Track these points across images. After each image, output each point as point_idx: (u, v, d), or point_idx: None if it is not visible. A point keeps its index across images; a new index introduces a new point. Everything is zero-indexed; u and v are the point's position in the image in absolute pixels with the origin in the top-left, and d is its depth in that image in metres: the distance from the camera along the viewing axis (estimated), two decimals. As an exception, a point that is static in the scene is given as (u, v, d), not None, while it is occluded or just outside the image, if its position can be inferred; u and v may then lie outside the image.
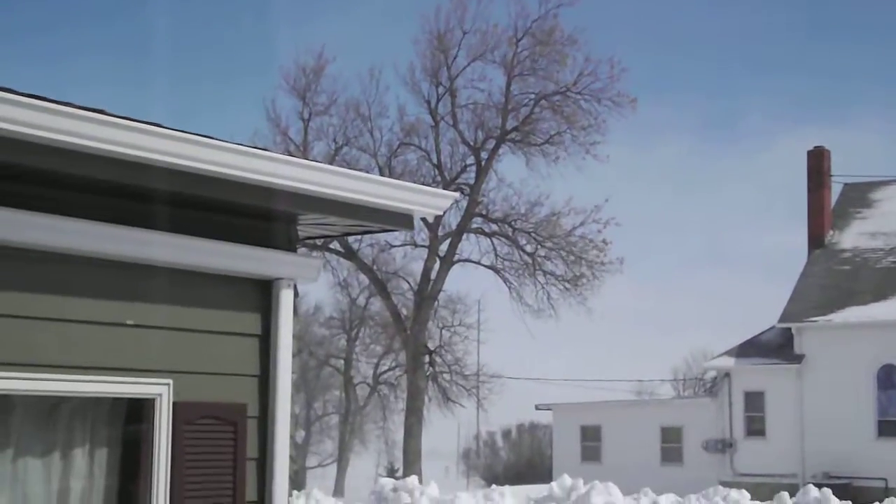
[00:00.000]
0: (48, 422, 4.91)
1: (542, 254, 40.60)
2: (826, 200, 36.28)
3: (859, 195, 37.80)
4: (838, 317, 31.90)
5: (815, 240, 35.65)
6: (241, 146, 5.05)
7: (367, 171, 38.78)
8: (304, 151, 39.56)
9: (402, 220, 5.88)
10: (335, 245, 40.67)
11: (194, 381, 5.21)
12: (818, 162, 36.28)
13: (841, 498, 23.14)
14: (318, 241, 34.67)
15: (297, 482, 47.49)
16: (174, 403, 5.09)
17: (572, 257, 40.09)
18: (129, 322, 4.99)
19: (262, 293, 5.56)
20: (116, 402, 5.09)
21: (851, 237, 35.67)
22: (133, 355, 5.01)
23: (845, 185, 38.33)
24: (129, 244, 4.95)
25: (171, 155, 4.70)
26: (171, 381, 5.10)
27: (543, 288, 40.81)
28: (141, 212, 5.02)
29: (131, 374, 5.00)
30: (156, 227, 5.06)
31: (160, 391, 5.06)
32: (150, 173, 4.71)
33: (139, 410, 5.09)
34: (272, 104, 41.21)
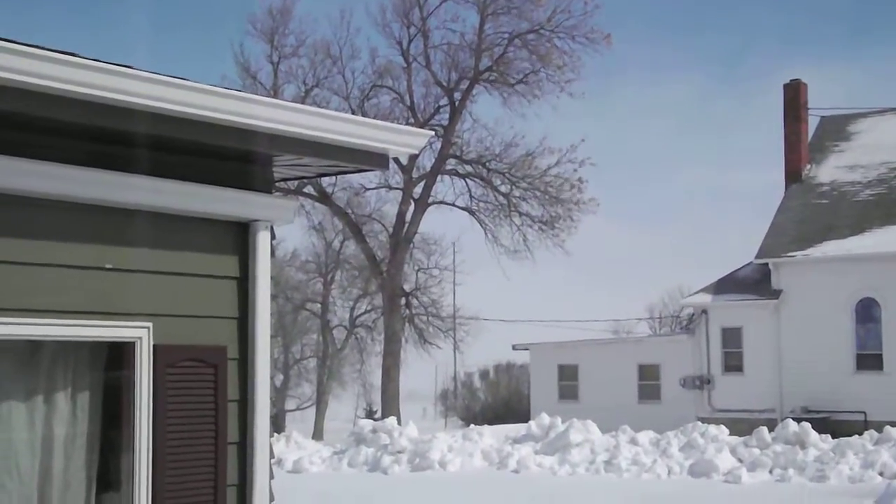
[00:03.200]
0: (28, 367, 4.89)
1: (518, 194, 40.62)
2: (803, 134, 36.25)
3: (836, 128, 37.76)
4: (816, 251, 32.02)
5: (793, 174, 35.68)
6: (215, 87, 4.99)
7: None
8: (274, 94, 39.31)
9: (377, 159, 5.84)
10: (309, 189, 40.55)
11: (174, 324, 5.19)
12: (795, 95, 36.18)
13: (820, 432, 23.40)
14: (293, 185, 34.50)
15: (276, 425, 47.77)
16: (154, 346, 5.08)
17: (548, 197, 40.13)
18: (107, 266, 4.96)
19: (239, 235, 5.53)
20: (97, 346, 5.08)
21: (829, 171, 35.72)
22: (112, 299, 4.99)
23: (822, 118, 38.30)
24: (105, 187, 4.91)
25: (146, 97, 4.65)
26: (150, 325, 5.08)
27: (519, 229, 40.91)
28: (116, 155, 4.98)
29: (110, 317, 4.98)
30: (131, 170, 5.02)
31: (140, 334, 5.05)
32: (124, 116, 4.66)
33: (120, 354, 5.07)
34: (240, 49, 40.90)
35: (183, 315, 5.26)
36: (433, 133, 35.22)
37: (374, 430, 24.90)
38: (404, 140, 5.91)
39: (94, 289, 4.94)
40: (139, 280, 5.10)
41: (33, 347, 4.91)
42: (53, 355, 4.97)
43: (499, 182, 40.88)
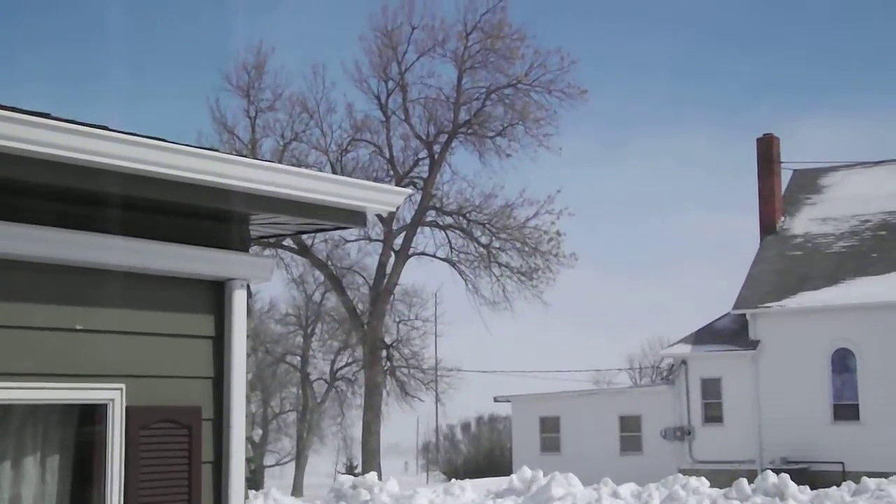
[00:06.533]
0: (-2, 430, 4.82)
1: (497, 245, 40.71)
2: (776, 187, 36.64)
3: (808, 181, 38.23)
4: (792, 302, 32.21)
5: (767, 226, 36.00)
6: (190, 147, 5.00)
7: (318, 167, 38.86)
8: (252, 149, 39.36)
9: (354, 217, 5.85)
10: (289, 242, 40.50)
11: (148, 384, 5.15)
12: (767, 149, 36.63)
13: (799, 483, 23.36)
14: (270, 240, 34.46)
15: (254, 482, 47.24)
16: (127, 408, 5.03)
17: (527, 248, 40.24)
18: (78, 327, 4.92)
19: (214, 294, 5.51)
20: (69, 408, 5.02)
21: (802, 223, 36.06)
22: (84, 360, 4.94)
23: (795, 171, 38.76)
24: (77, 248, 4.88)
25: (119, 158, 4.64)
26: (123, 386, 5.04)
27: (499, 280, 40.93)
28: (89, 215, 4.96)
29: (82, 379, 4.93)
30: (105, 231, 5.00)
31: (112, 396, 5.00)
32: (97, 177, 4.65)
33: (91, 416, 5.02)
34: (216, 104, 40.95)
35: (156, 375, 5.21)
36: (411, 190, 35.41)
37: (355, 486, 24.65)
38: (382, 198, 5.92)
39: (65, 350, 4.90)
40: (111, 341, 5.06)
41: (2, 410, 4.85)
42: (23, 418, 4.90)
43: (479, 233, 41.01)
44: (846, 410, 31.11)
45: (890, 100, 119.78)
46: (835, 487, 22.86)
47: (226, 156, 5.25)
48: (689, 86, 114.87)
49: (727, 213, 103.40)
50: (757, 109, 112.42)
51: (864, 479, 22.87)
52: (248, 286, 5.68)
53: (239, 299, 5.55)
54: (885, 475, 23.20)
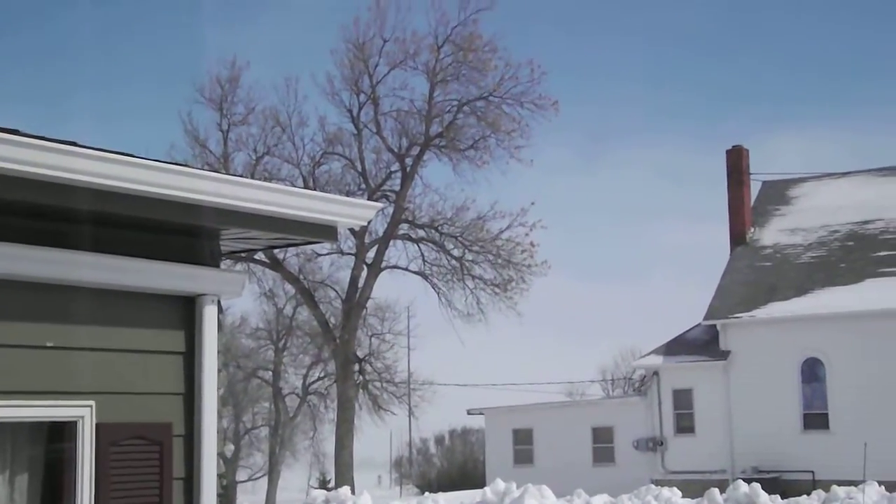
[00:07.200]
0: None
1: (470, 258, 40.73)
2: (746, 198, 36.92)
3: (777, 192, 38.54)
4: (762, 312, 32.42)
5: (737, 237, 36.26)
6: (159, 162, 4.99)
7: (290, 181, 38.75)
8: (224, 163, 39.20)
9: (325, 231, 5.86)
10: (260, 256, 40.35)
11: (118, 401, 5.13)
12: (737, 161, 36.93)
13: (770, 492, 23.51)
14: (242, 254, 34.34)
15: (227, 497, 46.97)
16: (97, 425, 5.01)
17: (500, 261, 40.29)
18: (48, 344, 4.89)
19: (185, 310, 5.49)
20: (38, 425, 4.99)
21: (772, 234, 36.33)
22: (54, 377, 4.91)
23: (764, 182, 39.06)
24: (46, 265, 4.86)
25: (89, 174, 4.62)
26: (93, 403, 5.01)
27: (472, 293, 40.94)
28: (59, 231, 4.94)
29: (52, 396, 4.90)
30: (74, 247, 4.97)
31: (82, 413, 4.97)
32: (67, 193, 4.63)
33: (61, 432, 4.99)
34: (189, 117, 40.73)
35: (127, 392, 5.19)
36: (382, 204, 35.40)
37: (328, 501, 24.58)
38: (352, 212, 5.94)
39: (35, 368, 4.87)
40: (82, 358, 5.03)
41: (-27, 428, 4.82)
42: (-7, 436, 4.88)
43: (451, 246, 40.99)
44: (816, 419, 31.33)
45: (867, 110, 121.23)
46: (805, 496, 23.04)
47: (194, 170, 5.25)
48: (666, 96, 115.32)
49: (701, 224, 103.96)
50: (732, 120, 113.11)
51: (834, 487, 23.04)
52: (219, 301, 5.67)
53: (209, 315, 5.54)
54: (855, 483, 23.36)
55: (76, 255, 4.97)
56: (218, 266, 5.79)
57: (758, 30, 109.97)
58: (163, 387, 5.36)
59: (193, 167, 5.55)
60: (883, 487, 22.70)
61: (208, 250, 5.69)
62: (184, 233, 5.49)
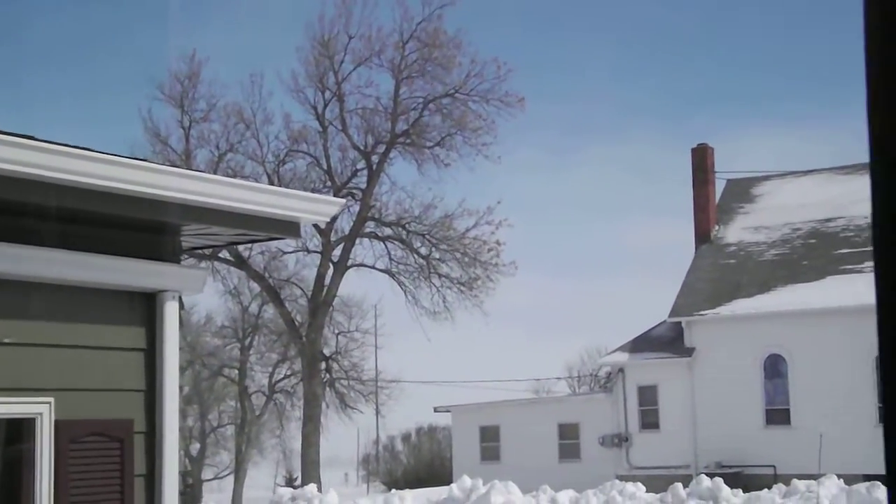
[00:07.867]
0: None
1: (437, 256, 40.75)
2: (711, 196, 37.17)
3: (741, 191, 38.83)
4: (725, 310, 32.69)
5: (702, 235, 36.50)
6: (119, 157, 4.96)
7: (255, 178, 38.56)
8: (186, 160, 38.91)
9: (288, 227, 5.85)
10: (225, 254, 40.16)
11: (77, 398, 5.09)
12: (702, 159, 37.17)
13: (732, 486, 23.79)
14: (206, 252, 34.19)
15: (192, 496, 46.71)
16: (56, 422, 4.97)
17: (467, 259, 40.34)
18: (5, 340, 4.86)
19: (146, 306, 5.47)
20: (-4, 423, 4.95)
21: (736, 232, 36.61)
22: (11, 374, 4.88)
23: (728, 181, 39.32)
24: (5, 260, 4.82)
25: (47, 168, 4.59)
26: (52, 400, 4.98)
27: (439, 291, 40.97)
28: (15, 227, 4.89)
29: (9, 393, 4.87)
30: (33, 242, 4.94)
31: (41, 410, 4.94)
32: (24, 188, 4.59)
33: (19, 430, 4.95)
34: (149, 114, 40.37)
35: (86, 389, 5.16)
36: (346, 201, 35.31)
37: (294, 499, 24.52)
38: (315, 208, 5.93)
39: (-7, 364, 4.84)
40: (40, 354, 5.00)
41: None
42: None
43: (418, 244, 40.99)
44: (778, 415, 31.65)
45: (833, 110, 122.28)
46: (766, 490, 23.30)
47: (155, 165, 5.23)
48: (634, 94, 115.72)
49: (667, 222, 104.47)
50: (699, 118, 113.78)
51: (795, 481, 23.33)
52: (181, 298, 5.65)
53: (170, 311, 5.52)
54: (815, 477, 23.62)
55: (34, 250, 4.93)
56: (179, 262, 5.77)
57: (726, 28, 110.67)
58: (123, 383, 5.34)
59: (153, 162, 5.52)
60: (842, 481, 22.97)
61: (169, 246, 5.67)
62: (144, 229, 5.47)
